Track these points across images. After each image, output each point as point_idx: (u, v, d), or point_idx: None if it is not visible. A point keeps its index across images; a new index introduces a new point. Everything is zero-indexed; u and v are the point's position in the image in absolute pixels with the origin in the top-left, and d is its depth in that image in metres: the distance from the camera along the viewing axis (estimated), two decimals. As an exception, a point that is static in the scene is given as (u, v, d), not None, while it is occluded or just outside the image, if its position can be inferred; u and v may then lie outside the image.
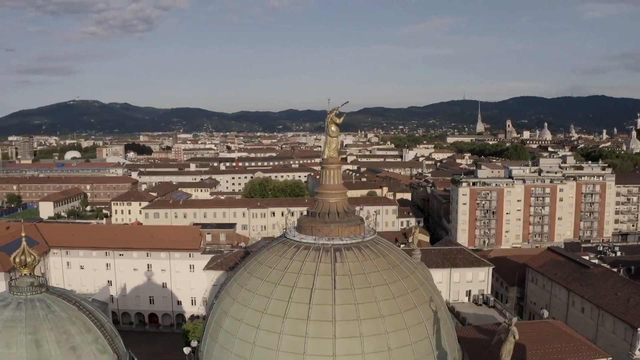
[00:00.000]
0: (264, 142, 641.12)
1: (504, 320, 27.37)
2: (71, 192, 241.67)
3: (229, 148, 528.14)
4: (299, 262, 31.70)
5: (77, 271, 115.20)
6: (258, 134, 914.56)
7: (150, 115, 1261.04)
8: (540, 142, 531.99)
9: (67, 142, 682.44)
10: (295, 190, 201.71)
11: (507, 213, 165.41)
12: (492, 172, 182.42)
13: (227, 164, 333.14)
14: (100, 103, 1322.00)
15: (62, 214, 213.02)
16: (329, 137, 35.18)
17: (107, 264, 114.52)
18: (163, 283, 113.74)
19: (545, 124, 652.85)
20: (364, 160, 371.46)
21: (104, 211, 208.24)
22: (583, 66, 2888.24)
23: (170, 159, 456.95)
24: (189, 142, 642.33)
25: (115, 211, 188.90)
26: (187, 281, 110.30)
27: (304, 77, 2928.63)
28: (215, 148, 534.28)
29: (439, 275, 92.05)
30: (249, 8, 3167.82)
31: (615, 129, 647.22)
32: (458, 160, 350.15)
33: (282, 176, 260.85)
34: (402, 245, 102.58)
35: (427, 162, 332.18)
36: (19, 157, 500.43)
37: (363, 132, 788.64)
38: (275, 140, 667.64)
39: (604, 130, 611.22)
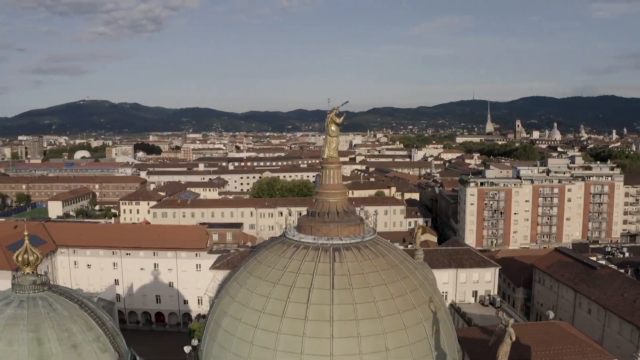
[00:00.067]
0: (272, 142, 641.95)
1: (501, 322, 27.18)
2: (80, 191, 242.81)
3: (237, 148, 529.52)
4: (298, 261, 31.66)
5: (84, 270, 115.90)
6: (267, 134, 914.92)
7: (159, 115, 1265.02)
8: (549, 143, 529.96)
9: (77, 141, 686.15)
10: (303, 190, 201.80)
11: (515, 213, 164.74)
12: (501, 172, 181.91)
13: (236, 163, 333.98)
14: (110, 103, 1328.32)
15: (71, 213, 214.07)
16: (329, 136, 35.09)
17: (114, 263, 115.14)
18: (170, 282, 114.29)
19: (555, 124, 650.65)
20: (373, 160, 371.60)
21: (113, 210, 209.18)
22: (593, 66, 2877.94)
23: (179, 159, 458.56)
24: (198, 142, 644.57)
25: (124, 210, 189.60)
26: (194, 280, 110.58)
27: (313, 77, 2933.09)
28: (224, 148, 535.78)
29: (445, 276, 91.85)
30: (258, 8, 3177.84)
31: (625, 129, 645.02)
32: (467, 161, 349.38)
33: (290, 176, 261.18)
34: (409, 246, 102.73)
35: (435, 162, 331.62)
36: (28, 156, 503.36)
37: (372, 132, 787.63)
38: (284, 140, 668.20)
39: (614, 131, 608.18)
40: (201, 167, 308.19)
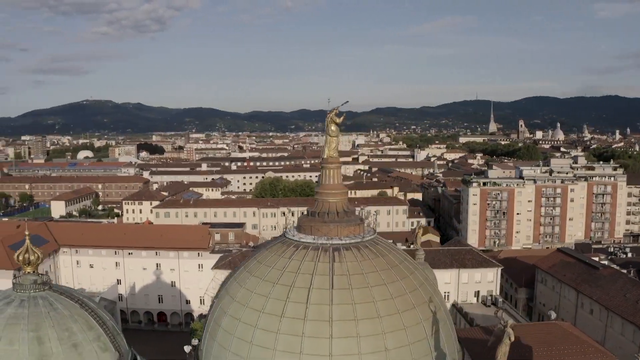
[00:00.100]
0: (275, 142, 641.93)
1: (499, 322, 27.15)
2: (83, 191, 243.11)
3: (240, 148, 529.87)
4: (298, 261, 31.71)
5: (87, 270, 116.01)
6: (270, 134, 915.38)
7: (163, 115, 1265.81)
8: (552, 143, 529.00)
9: (80, 141, 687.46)
10: (306, 190, 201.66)
11: (517, 213, 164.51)
12: (504, 172, 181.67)
13: (239, 163, 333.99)
14: (113, 103, 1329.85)
15: (74, 213, 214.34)
16: (329, 136, 35.13)
17: (116, 262, 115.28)
18: (172, 282, 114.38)
19: (558, 124, 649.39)
20: (376, 160, 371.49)
21: (116, 210, 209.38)
22: (596, 66, 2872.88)
23: (182, 159, 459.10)
24: (201, 141, 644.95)
25: (127, 210, 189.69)
26: (196, 280, 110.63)
27: (316, 77, 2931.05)
28: (227, 148, 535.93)
29: (447, 276, 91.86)
30: (261, 8, 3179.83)
31: (628, 129, 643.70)
32: (470, 161, 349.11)
33: (292, 176, 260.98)
34: (411, 246, 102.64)
35: (438, 162, 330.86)
36: (31, 156, 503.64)
37: (375, 132, 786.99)
38: (287, 140, 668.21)
39: (617, 131, 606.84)
40: (204, 167, 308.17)
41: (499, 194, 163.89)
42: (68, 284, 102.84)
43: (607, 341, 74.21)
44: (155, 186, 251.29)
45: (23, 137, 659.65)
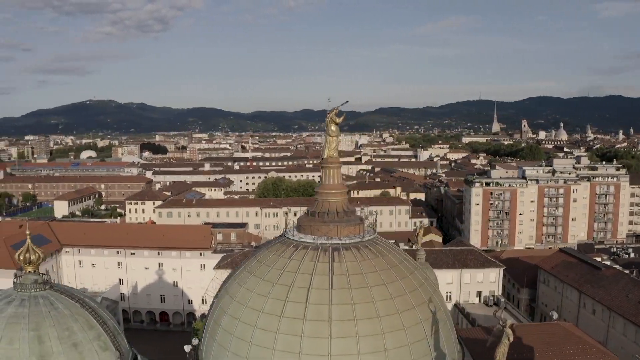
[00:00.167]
0: (278, 142, 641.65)
1: (498, 322, 27.09)
2: (86, 191, 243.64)
3: (243, 148, 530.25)
4: (297, 261, 31.66)
5: (89, 269, 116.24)
6: (273, 133, 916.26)
7: (166, 115, 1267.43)
8: (556, 143, 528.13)
9: (83, 141, 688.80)
10: (309, 190, 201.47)
11: (520, 214, 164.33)
12: (506, 172, 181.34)
13: (242, 163, 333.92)
14: (117, 103, 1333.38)
15: (77, 212, 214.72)
16: (329, 136, 35.03)
17: (118, 262, 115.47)
18: (174, 282, 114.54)
19: (562, 124, 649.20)
20: (379, 160, 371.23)
21: (118, 210, 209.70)
22: (600, 66, 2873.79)
23: (185, 159, 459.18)
24: (204, 141, 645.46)
25: (130, 210, 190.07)
26: (198, 280, 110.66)
27: (319, 77, 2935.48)
28: (230, 148, 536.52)
29: (449, 276, 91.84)
30: (264, 8, 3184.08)
31: (631, 129, 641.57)
32: (473, 161, 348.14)
33: (295, 176, 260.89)
34: (414, 246, 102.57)
35: (441, 163, 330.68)
36: (35, 156, 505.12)
37: (378, 132, 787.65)
38: (290, 140, 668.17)
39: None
40: (207, 167, 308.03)
41: (501, 194, 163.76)
42: (70, 284, 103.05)
43: (609, 342, 74.13)
44: (158, 186, 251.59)
45: (26, 137, 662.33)
